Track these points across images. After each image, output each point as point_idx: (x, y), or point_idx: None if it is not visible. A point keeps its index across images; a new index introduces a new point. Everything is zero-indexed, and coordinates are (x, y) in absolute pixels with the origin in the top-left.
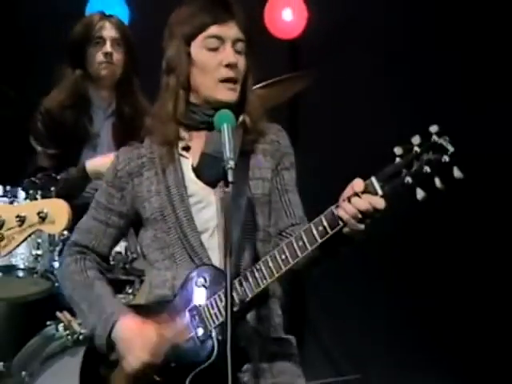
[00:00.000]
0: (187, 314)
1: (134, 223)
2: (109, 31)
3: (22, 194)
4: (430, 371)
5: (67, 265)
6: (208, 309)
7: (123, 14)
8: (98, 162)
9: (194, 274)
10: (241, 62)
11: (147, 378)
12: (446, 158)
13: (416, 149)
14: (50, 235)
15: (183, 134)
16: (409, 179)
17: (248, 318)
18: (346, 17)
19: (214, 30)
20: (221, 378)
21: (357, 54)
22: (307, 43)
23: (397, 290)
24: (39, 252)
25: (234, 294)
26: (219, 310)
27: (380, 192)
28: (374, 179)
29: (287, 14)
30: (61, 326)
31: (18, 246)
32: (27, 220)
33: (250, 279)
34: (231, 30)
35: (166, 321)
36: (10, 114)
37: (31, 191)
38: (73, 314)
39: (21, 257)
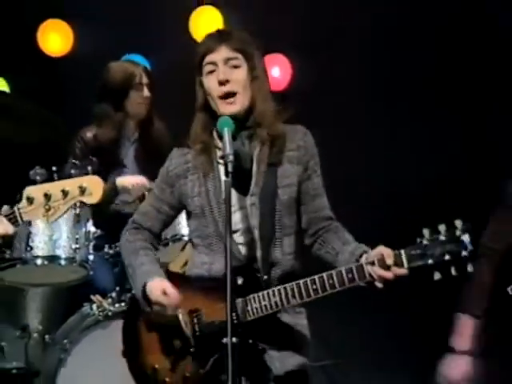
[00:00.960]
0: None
1: (178, 213)
2: (145, 78)
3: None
4: (400, 359)
5: (126, 238)
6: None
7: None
8: (126, 180)
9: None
10: (236, 75)
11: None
12: (465, 254)
13: (442, 238)
14: (86, 233)
15: (218, 143)
16: (431, 262)
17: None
18: (321, 73)
19: (207, 58)
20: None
21: (330, 103)
22: (292, 93)
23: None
24: (77, 246)
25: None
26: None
27: (406, 266)
28: (403, 254)
29: (275, 71)
30: (94, 306)
31: (62, 215)
32: (70, 193)
33: (278, 296)
34: (220, 53)
35: (201, 295)
36: (55, 138)
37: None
38: (103, 296)
39: (63, 249)
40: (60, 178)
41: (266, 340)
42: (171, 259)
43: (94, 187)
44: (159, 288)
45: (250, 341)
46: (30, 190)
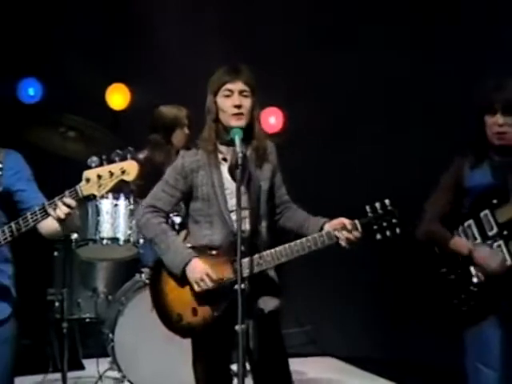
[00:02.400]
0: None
1: (186, 197)
2: (186, 120)
3: None
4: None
5: (148, 218)
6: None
7: None
8: None
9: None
10: (245, 102)
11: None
12: (395, 221)
13: (380, 212)
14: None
15: (221, 148)
16: (375, 227)
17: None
18: (306, 121)
19: (227, 86)
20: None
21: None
22: (283, 135)
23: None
24: (131, 231)
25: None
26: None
27: (360, 230)
28: (357, 222)
29: (272, 120)
30: (142, 275)
31: (109, 190)
32: (114, 174)
33: (270, 257)
34: (237, 85)
35: (207, 259)
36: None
37: None
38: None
39: (121, 233)
40: (108, 163)
41: (258, 288)
42: None
43: (130, 169)
44: (203, 271)
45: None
46: (87, 173)
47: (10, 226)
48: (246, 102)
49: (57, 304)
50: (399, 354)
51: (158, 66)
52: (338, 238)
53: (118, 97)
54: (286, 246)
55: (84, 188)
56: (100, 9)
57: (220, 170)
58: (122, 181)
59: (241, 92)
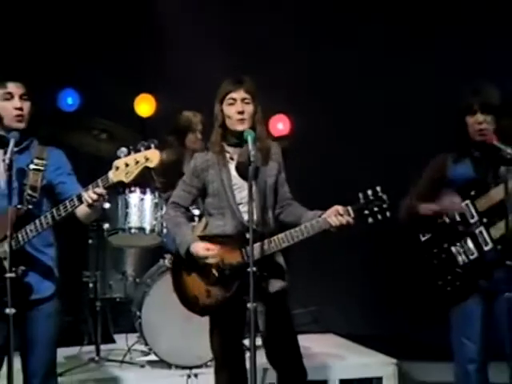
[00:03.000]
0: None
1: (201, 193)
2: (200, 125)
3: None
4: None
5: (169, 213)
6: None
7: None
8: None
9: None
10: (247, 108)
11: (211, 274)
12: (385, 206)
13: (371, 197)
14: (160, 215)
15: (228, 149)
16: (367, 212)
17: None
18: (310, 126)
19: (231, 95)
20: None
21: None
22: (290, 139)
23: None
24: (155, 222)
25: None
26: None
27: (352, 215)
28: (350, 208)
29: (280, 125)
30: (166, 260)
31: (135, 176)
32: (139, 162)
33: (274, 243)
34: (240, 94)
35: (220, 246)
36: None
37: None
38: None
39: (148, 223)
40: (135, 153)
41: (265, 270)
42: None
43: (153, 157)
44: (203, 247)
45: (255, 269)
46: (116, 162)
47: (52, 212)
48: (248, 108)
49: (91, 285)
50: (394, 330)
51: (179, 78)
52: (331, 225)
53: (144, 105)
54: (287, 232)
55: (114, 175)
56: (128, 27)
57: (228, 168)
58: (147, 167)
59: (243, 100)
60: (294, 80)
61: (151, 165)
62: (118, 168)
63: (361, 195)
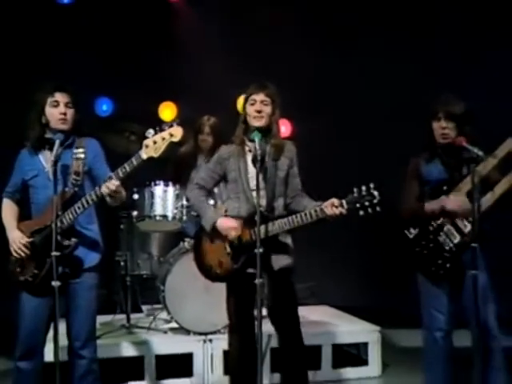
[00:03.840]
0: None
1: (222, 179)
2: (208, 128)
3: None
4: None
5: (195, 192)
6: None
7: None
8: None
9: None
10: (265, 109)
11: (226, 248)
12: (375, 201)
13: (364, 193)
14: (181, 204)
15: (248, 143)
16: (358, 205)
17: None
18: (310, 128)
19: (252, 96)
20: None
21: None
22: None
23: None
24: (176, 210)
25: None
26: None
27: (346, 207)
28: (344, 201)
29: (282, 128)
30: (186, 243)
31: (162, 151)
32: (165, 138)
33: (277, 225)
34: (259, 96)
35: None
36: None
37: None
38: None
39: (170, 211)
40: (160, 132)
41: (271, 249)
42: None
43: (177, 132)
44: (229, 222)
45: (263, 249)
46: (146, 141)
47: (95, 190)
48: (266, 109)
49: (122, 263)
50: (384, 303)
51: (198, 88)
52: (326, 214)
53: (167, 111)
54: (289, 217)
55: (144, 152)
56: (154, 44)
57: (245, 158)
58: (172, 142)
59: (262, 101)
60: (296, 88)
61: (175, 139)
62: (147, 146)
63: (355, 190)
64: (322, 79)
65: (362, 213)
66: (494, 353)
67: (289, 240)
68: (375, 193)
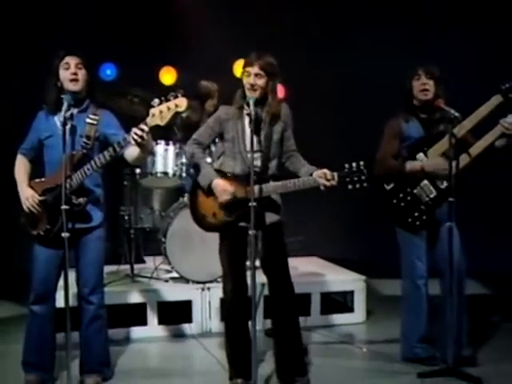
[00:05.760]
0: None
1: (218, 137)
2: (215, 93)
3: None
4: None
5: (194, 148)
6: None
7: None
8: None
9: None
10: (258, 81)
11: (221, 205)
12: (363, 178)
13: (354, 168)
14: (181, 162)
15: (246, 106)
16: (348, 180)
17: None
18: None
19: (247, 69)
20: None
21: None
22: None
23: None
24: (176, 168)
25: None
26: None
27: (336, 180)
28: (335, 174)
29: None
30: (185, 199)
31: (168, 120)
32: (171, 108)
33: (271, 187)
34: (254, 69)
35: (232, 183)
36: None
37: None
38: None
39: (171, 168)
40: (166, 102)
41: (263, 207)
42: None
43: (182, 103)
44: (224, 186)
45: (255, 204)
46: (152, 110)
47: (104, 153)
48: (260, 82)
49: (126, 217)
50: (369, 255)
51: (197, 53)
52: (319, 183)
53: (168, 76)
54: (283, 182)
55: (151, 120)
56: (155, 12)
57: (243, 120)
58: (177, 112)
59: (256, 74)
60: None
61: (180, 109)
62: (153, 115)
63: (346, 165)
64: (321, 46)
65: (350, 187)
66: (462, 299)
67: (278, 198)
68: (365, 171)
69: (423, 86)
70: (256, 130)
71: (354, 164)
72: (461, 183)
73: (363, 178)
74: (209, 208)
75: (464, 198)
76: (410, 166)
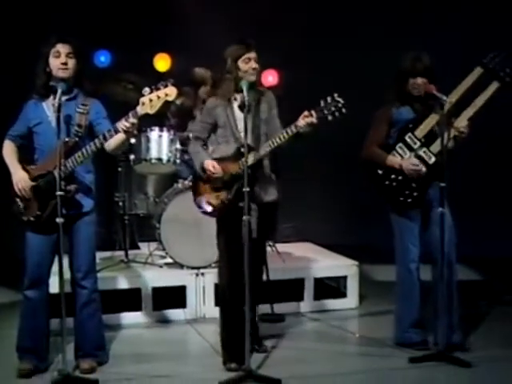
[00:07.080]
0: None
1: (213, 126)
2: (209, 80)
3: None
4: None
5: (194, 143)
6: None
7: None
8: None
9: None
10: (256, 66)
11: (217, 184)
12: (340, 105)
13: (329, 100)
14: (176, 148)
15: (235, 94)
16: (326, 112)
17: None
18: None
19: (246, 55)
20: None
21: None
22: (279, 89)
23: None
24: (171, 154)
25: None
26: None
27: (314, 115)
28: (313, 111)
29: (270, 78)
30: (179, 184)
31: (157, 108)
32: (160, 97)
33: (261, 150)
34: (252, 54)
35: (223, 163)
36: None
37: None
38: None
39: (165, 154)
40: (156, 91)
41: (259, 185)
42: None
43: (171, 92)
44: (211, 164)
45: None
46: (142, 99)
47: (94, 141)
48: (258, 65)
49: (120, 203)
50: (362, 241)
51: (191, 40)
52: (299, 125)
53: (162, 62)
54: (270, 140)
55: (141, 109)
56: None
57: (232, 105)
58: (167, 101)
59: (255, 59)
60: (284, 40)
61: (170, 99)
62: (143, 103)
63: (321, 101)
64: (313, 29)
65: (330, 118)
66: (452, 285)
67: (274, 178)
68: (340, 99)
69: (418, 87)
70: (248, 111)
71: (328, 97)
72: (441, 167)
73: (340, 105)
74: (211, 192)
75: (443, 182)
76: (390, 161)
